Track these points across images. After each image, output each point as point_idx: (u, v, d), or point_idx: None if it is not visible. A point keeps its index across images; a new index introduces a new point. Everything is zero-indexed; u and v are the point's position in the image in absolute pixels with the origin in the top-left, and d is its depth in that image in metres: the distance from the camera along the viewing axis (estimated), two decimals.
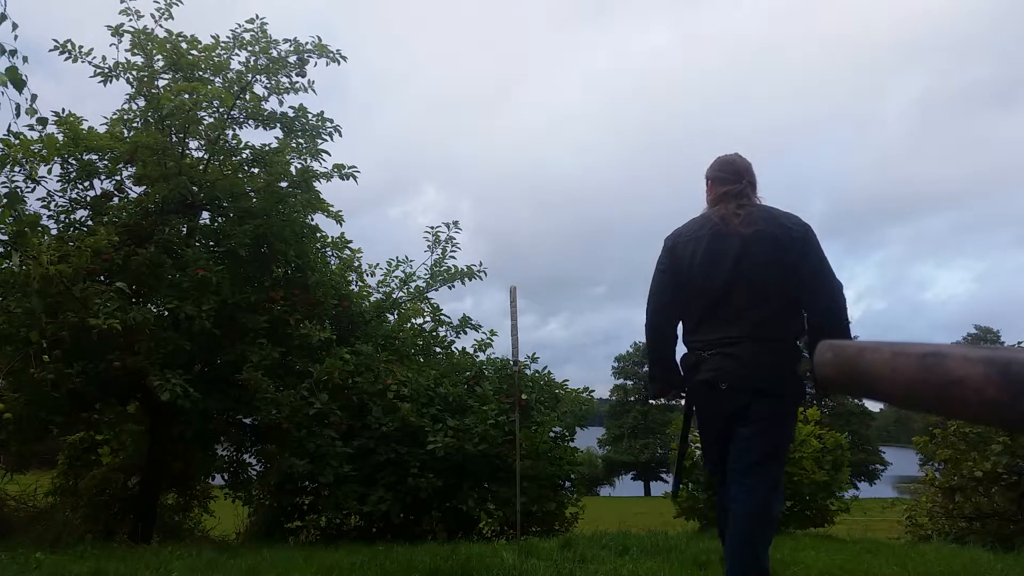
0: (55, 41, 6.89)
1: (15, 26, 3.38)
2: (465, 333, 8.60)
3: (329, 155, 7.48)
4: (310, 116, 7.52)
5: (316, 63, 7.40)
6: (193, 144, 7.40)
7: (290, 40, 7.31)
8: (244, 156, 7.58)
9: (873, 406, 42.58)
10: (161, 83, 7.26)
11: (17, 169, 6.31)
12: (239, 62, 7.39)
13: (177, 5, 7.25)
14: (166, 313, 6.75)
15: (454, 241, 8.37)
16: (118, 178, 7.30)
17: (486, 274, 8.40)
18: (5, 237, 6.14)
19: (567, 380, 8.02)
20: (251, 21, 7.32)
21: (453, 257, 8.38)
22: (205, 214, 7.61)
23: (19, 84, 3.28)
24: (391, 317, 8.53)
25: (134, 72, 7.18)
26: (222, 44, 7.36)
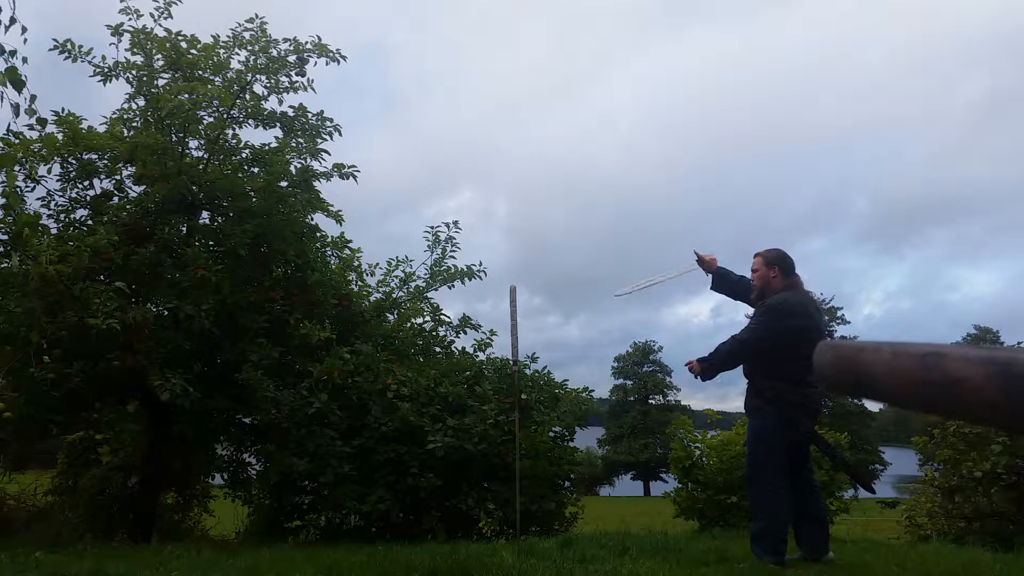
0: (55, 41, 6.89)
1: (24, 29, 3.39)
2: (465, 333, 8.61)
3: (329, 154, 7.49)
4: (310, 115, 7.52)
5: (316, 63, 7.41)
6: (193, 143, 7.40)
7: (290, 39, 7.30)
8: (244, 156, 7.57)
9: (873, 406, 42.62)
10: (161, 82, 7.26)
11: (17, 169, 6.30)
12: (239, 61, 7.39)
13: (176, 4, 7.24)
14: (166, 313, 6.75)
15: (454, 241, 8.38)
16: (118, 178, 7.30)
17: (486, 274, 8.41)
18: (5, 237, 6.14)
19: (567, 380, 8.03)
20: (251, 20, 7.31)
21: (453, 257, 8.39)
22: (205, 214, 7.60)
23: (18, 84, 3.29)
24: (391, 317, 8.53)
25: (134, 71, 7.17)
26: (222, 43, 7.35)
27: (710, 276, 4.95)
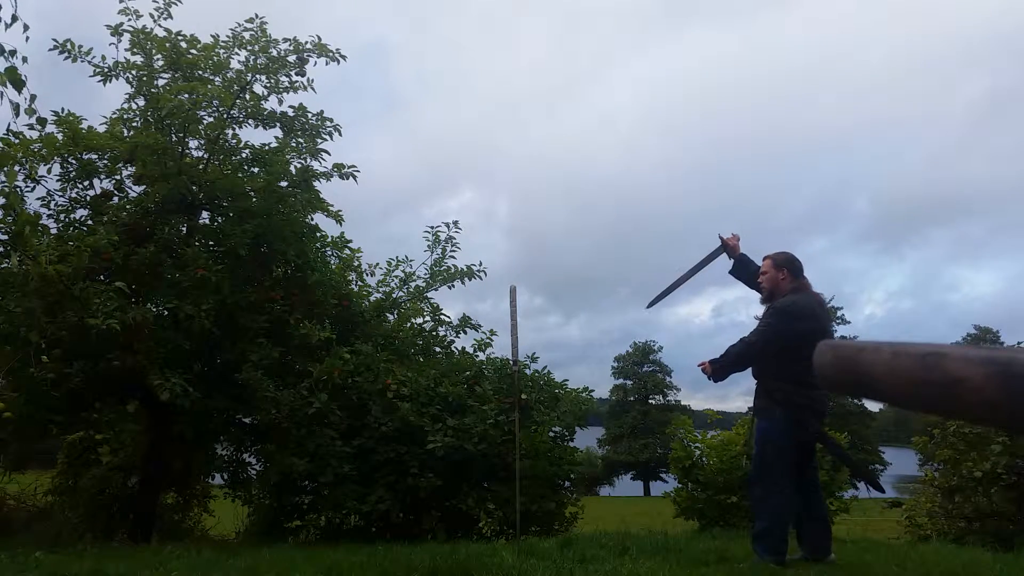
0: (55, 41, 6.89)
1: (26, 27, 3.40)
2: (465, 333, 8.61)
3: (329, 154, 7.49)
4: (310, 115, 7.52)
5: (316, 62, 7.41)
6: (193, 143, 7.40)
7: (290, 39, 7.30)
8: (244, 156, 7.57)
9: (873, 406, 42.61)
10: (161, 82, 7.26)
11: (17, 169, 6.30)
12: (239, 61, 7.39)
13: (176, 4, 7.24)
14: (166, 313, 6.75)
15: (454, 241, 8.39)
16: (118, 177, 7.30)
17: (486, 274, 8.42)
18: (5, 237, 6.14)
19: (567, 380, 8.03)
20: (251, 20, 7.31)
21: (453, 257, 8.39)
22: (205, 214, 7.60)
23: (18, 84, 3.29)
24: (391, 317, 8.53)
25: (133, 71, 7.17)
26: (221, 43, 7.35)
27: (732, 261, 5.00)
